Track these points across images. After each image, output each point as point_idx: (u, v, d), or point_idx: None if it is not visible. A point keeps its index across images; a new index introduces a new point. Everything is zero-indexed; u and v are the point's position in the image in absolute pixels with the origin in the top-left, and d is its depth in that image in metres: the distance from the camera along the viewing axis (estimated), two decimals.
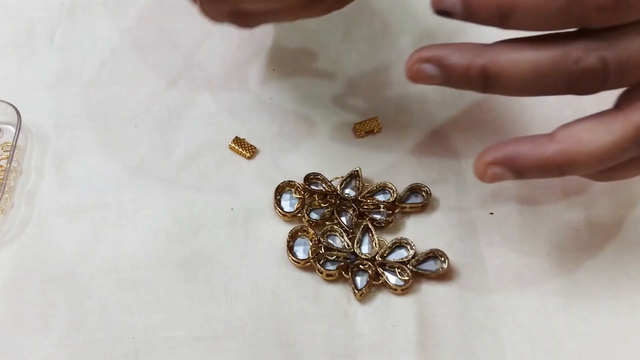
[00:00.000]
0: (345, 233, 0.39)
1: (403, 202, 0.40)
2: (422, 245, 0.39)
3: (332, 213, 0.40)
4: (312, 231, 0.39)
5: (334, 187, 0.41)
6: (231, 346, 0.36)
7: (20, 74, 0.47)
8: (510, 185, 0.42)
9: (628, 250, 0.40)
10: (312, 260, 0.38)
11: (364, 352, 0.36)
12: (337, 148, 0.44)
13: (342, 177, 0.42)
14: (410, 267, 0.38)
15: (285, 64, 0.48)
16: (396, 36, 0.50)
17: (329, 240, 0.39)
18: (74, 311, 0.37)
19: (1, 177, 0.41)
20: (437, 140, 0.44)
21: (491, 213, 0.41)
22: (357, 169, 0.42)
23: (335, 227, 0.40)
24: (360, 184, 0.41)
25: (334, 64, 0.48)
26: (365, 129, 0.44)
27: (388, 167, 0.43)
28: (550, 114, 0.44)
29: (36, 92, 0.46)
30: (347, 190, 0.41)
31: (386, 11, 0.51)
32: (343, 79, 0.47)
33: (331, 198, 0.41)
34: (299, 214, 0.40)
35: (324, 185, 0.41)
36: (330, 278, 0.38)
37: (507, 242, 0.40)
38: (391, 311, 0.37)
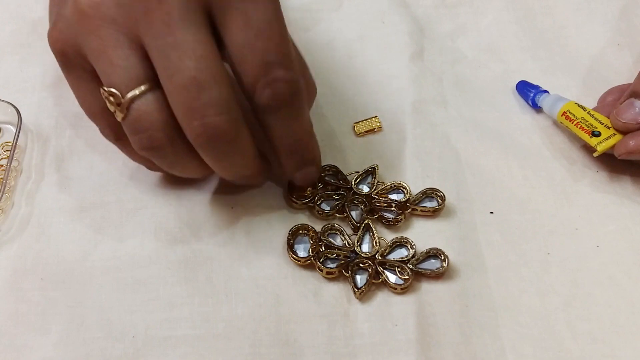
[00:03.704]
0: (353, 227, 0.39)
1: (416, 204, 0.40)
2: (423, 244, 0.39)
3: (343, 206, 0.40)
4: (312, 229, 0.39)
5: (348, 180, 0.41)
6: (231, 345, 0.36)
7: (20, 74, 0.47)
8: (510, 185, 0.42)
9: (628, 250, 0.40)
10: (312, 259, 0.38)
11: (364, 351, 0.36)
12: (337, 147, 0.44)
13: (359, 172, 0.42)
14: (410, 266, 0.38)
15: None
16: (396, 36, 0.50)
17: (330, 239, 0.39)
18: (74, 310, 0.37)
19: (1, 176, 0.41)
20: (437, 140, 0.44)
21: (491, 212, 0.41)
22: (375, 165, 0.42)
23: (336, 225, 0.40)
24: (375, 181, 0.41)
25: (335, 63, 0.48)
26: (365, 128, 0.44)
27: (388, 166, 0.43)
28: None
29: (36, 92, 0.46)
30: (361, 186, 0.41)
31: (386, 11, 0.51)
32: (343, 78, 0.47)
33: (344, 191, 0.41)
34: (310, 204, 0.40)
35: (338, 178, 0.41)
36: (331, 276, 0.38)
37: (507, 242, 0.40)
38: (391, 310, 0.37)
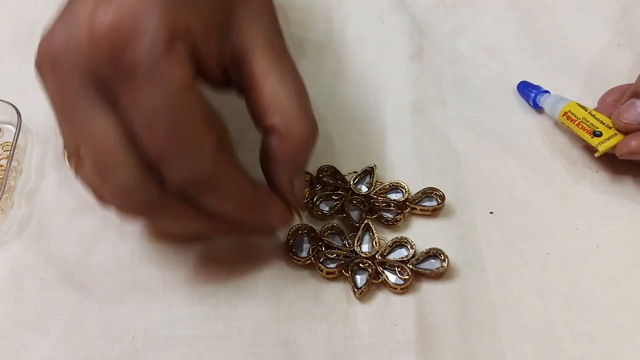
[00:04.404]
0: (353, 228, 0.39)
1: (416, 204, 0.40)
2: (422, 244, 0.39)
3: (342, 206, 0.40)
4: (312, 230, 0.39)
5: (346, 181, 0.41)
6: (231, 345, 0.36)
7: (20, 74, 0.47)
8: (510, 185, 0.42)
9: (628, 250, 0.40)
10: (312, 259, 0.38)
11: (364, 351, 0.36)
12: (337, 147, 0.44)
13: (357, 172, 0.42)
14: (410, 266, 0.38)
15: None
16: (396, 36, 0.50)
17: (329, 239, 0.39)
18: (73, 310, 0.37)
19: (1, 176, 0.41)
20: (437, 140, 0.44)
21: (491, 212, 0.41)
22: (373, 165, 0.42)
23: (336, 225, 0.40)
24: (374, 181, 0.41)
25: (334, 62, 0.48)
26: None
27: (388, 166, 0.43)
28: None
29: (36, 92, 0.46)
30: (360, 186, 0.41)
31: (386, 11, 0.51)
32: (343, 78, 0.47)
33: (343, 192, 0.41)
34: (309, 204, 0.40)
35: (336, 178, 0.41)
36: (331, 276, 0.38)
37: (507, 242, 0.40)
38: (391, 310, 0.37)
